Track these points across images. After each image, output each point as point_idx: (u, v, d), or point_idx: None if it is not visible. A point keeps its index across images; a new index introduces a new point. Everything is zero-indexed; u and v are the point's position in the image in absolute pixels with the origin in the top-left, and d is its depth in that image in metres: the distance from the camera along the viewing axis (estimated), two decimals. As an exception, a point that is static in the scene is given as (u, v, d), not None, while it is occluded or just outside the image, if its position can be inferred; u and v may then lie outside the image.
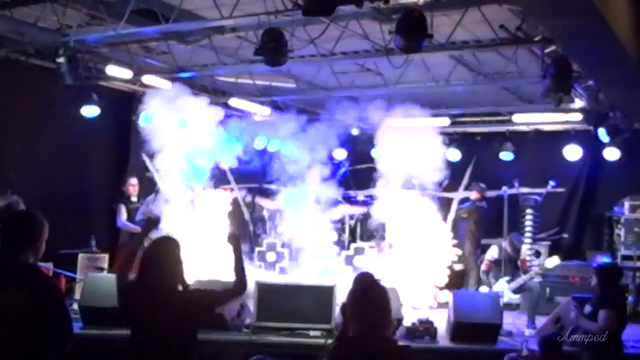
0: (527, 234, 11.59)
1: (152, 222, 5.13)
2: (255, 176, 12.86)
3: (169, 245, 4.32)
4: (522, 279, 9.45)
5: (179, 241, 4.36)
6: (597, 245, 12.77)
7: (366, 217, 12.53)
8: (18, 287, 3.62)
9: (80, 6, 8.77)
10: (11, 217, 4.20)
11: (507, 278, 9.55)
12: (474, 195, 12.15)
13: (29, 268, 3.81)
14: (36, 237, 3.89)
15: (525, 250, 10.23)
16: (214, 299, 4.40)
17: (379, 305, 3.74)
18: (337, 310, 8.25)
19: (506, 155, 13.37)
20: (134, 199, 10.84)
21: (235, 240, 4.53)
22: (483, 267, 10.05)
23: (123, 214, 10.66)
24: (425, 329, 8.10)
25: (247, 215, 12.97)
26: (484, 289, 9.93)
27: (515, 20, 8.19)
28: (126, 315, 4.26)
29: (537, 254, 11.71)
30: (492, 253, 9.94)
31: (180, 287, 4.24)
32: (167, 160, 10.12)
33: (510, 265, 9.70)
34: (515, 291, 9.54)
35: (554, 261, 9.34)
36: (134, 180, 10.96)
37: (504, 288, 9.49)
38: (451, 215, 12.54)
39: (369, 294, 3.78)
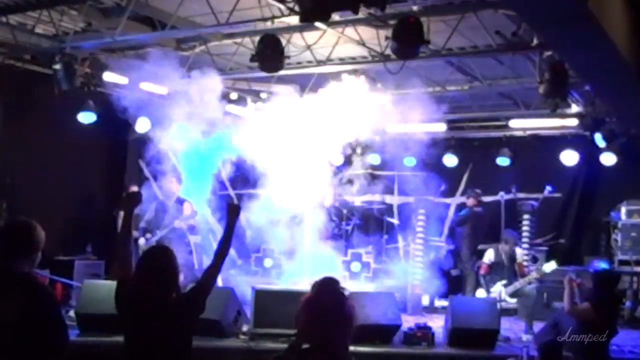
0: (524, 239, 11.59)
1: (131, 198, 4.82)
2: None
3: (162, 254, 4.30)
4: (519, 283, 9.47)
5: (173, 250, 4.33)
6: (595, 250, 12.77)
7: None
8: (13, 295, 3.61)
9: (76, 13, 8.77)
10: (7, 226, 4.17)
11: (504, 282, 9.56)
12: (470, 201, 12.17)
13: (23, 277, 3.79)
14: (32, 246, 3.87)
15: (522, 255, 10.24)
16: (200, 290, 4.30)
17: (335, 317, 3.22)
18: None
19: (503, 161, 13.38)
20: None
21: (234, 210, 4.50)
22: (481, 270, 10.07)
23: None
24: (423, 334, 8.09)
25: (243, 221, 12.88)
26: (481, 292, 9.94)
27: (512, 26, 8.20)
28: (121, 321, 4.20)
29: (534, 260, 11.73)
30: (489, 256, 9.97)
31: (174, 295, 4.20)
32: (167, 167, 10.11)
33: (508, 269, 9.71)
34: (512, 295, 9.55)
35: (551, 266, 9.34)
36: (135, 187, 10.91)
37: (501, 292, 9.50)
38: (448, 220, 12.55)
39: (325, 302, 3.26)
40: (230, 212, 4.47)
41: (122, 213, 9.67)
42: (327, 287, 3.33)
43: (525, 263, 10.41)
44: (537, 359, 6.44)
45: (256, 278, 11.31)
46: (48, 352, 3.69)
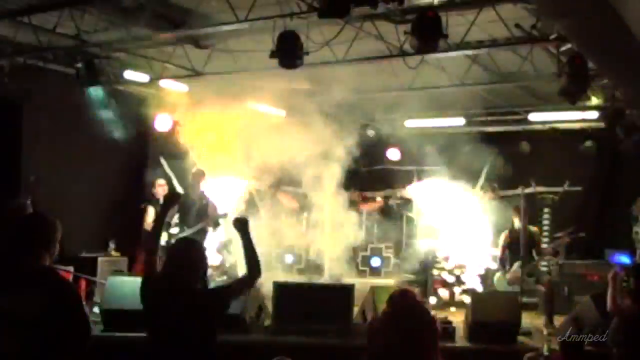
0: (545, 233, 11.56)
1: (173, 197, 4.98)
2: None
3: (191, 246, 4.37)
4: (535, 263, 9.55)
5: (201, 243, 4.39)
6: (616, 244, 12.68)
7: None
8: (35, 290, 3.61)
9: (97, 12, 8.86)
10: (23, 220, 4.17)
11: (520, 263, 9.61)
12: (488, 196, 12.17)
13: (46, 271, 3.79)
14: (50, 240, 3.87)
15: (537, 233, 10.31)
16: (230, 292, 4.39)
17: (416, 341, 2.79)
18: (355, 310, 8.29)
19: (522, 154, 13.33)
20: (162, 200, 10.82)
21: (241, 224, 4.49)
22: (499, 255, 10.13)
23: (150, 216, 10.61)
24: (443, 329, 8.09)
25: (261, 211, 12.79)
26: (499, 275, 9.96)
27: (530, 18, 8.17)
28: (146, 315, 4.26)
29: (556, 253, 11.69)
30: (503, 238, 10.04)
31: (199, 287, 4.26)
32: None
33: (525, 249, 9.77)
34: (530, 275, 9.60)
35: (564, 239, 9.43)
36: (161, 181, 10.97)
37: (517, 272, 9.56)
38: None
39: (405, 325, 2.81)
40: (239, 227, 4.49)
41: (150, 207, 9.78)
42: (407, 302, 2.93)
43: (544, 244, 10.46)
44: (559, 353, 6.39)
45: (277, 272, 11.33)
46: (71, 347, 3.71)
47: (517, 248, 9.77)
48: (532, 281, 9.70)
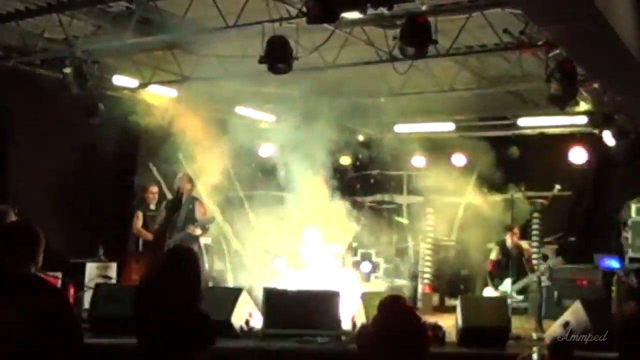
0: (534, 238, 11.58)
1: (176, 203, 5.02)
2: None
3: (185, 256, 4.22)
4: (527, 279, 9.51)
5: (196, 254, 4.27)
6: (605, 248, 12.73)
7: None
8: (25, 298, 3.57)
9: (86, 17, 8.83)
10: (7, 228, 4.16)
11: (511, 278, 9.59)
12: (478, 201, 12.20)
13: (34, 279, 3.77)
14: (34, 247, 3.83)
15: (529, 248, 10.29)
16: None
17: (407, 348, 2.77)
18: (343, 316, 8.28)
19: (512, 159, 13.36)
20: (152, 206, 10.86)
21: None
22: (487, 267, 10.13)
23: (138, 220, 10.65)
24: (434, 333, 8.09)
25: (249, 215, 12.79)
26: (489, 290, 9.96)
27: (519, 24, 8.20)
28: (136, 321, 4.16)
29: (545, 258, 11.71)
30: (494, 253, 10.02)
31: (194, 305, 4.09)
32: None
33: (515, 266, 9.74)
34: (519, 292, 9.58)
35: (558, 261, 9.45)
36: (154, 188, 11.01)
37: (508, 288, 9.53)
38: (457, 220, 12.55)
39: (395, 332, 2.78)
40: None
41: (139, 212, 9.79)
42: (397, 309, 2.88)
43: (534, 257, 10.45)
44: (548, 357, 6.40)
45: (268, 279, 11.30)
46: (62, 355, 3.68)
47: (507, 266, 9.78)
48: (522, 298, 9.72)
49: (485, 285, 10.41)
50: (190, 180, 10.08)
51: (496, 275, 9.93)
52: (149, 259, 4.45)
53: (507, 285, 9.58)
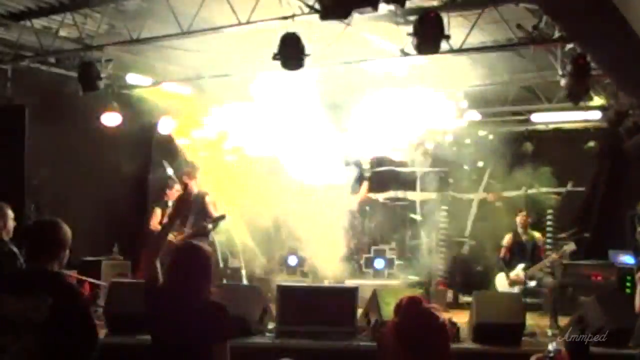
0: (548, 234, 11.54)
1: (184, 200, 4.79)
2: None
3: (197, 253, 4.12)
4: (538, 265, 9.56)
5: (209, 252, 4.19)
6: (620, 244, 12.65)
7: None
8: (42, 295, 3.62)
9: (100, 15, 8.86)
10: (35, 226, 4.20)
11: (523, 265, 9.60)
12: (490, 197, 12.17)
13: (53, 276, 3.81)
14: (60, 245, 3.89)
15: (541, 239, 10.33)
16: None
17: (430, 350, 2.70)
18: (359, 312, 8.29)
19: (525, 155, 13.30)
20: (170, 203, 10.80)
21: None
22: (500, 254, 10.16)
23: (156, 217, 10.48)
24: (448, 330, 8.06)
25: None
26: (501, 276, 9.96)
27: (532, 19, 8.15)
28: (148, 320, 4.14)
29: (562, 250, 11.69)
30: (507, 240, 10.05)
31: (205, 297, 4.02)
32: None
33: (529, 253, 9.78)
34: (532, 278, 9.62)
35: (570, 247, 9.43)
36: (178, 187, 10.91)
37: (520, 275, 9.59)
38: (471, 216, 12.51)
39: (417, 334, 2.71)
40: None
41: (157, 209, 9.77)
42: (417, 310, 2.76)
43: (548, 246, 10.47)
44: (564, 355, 6.37)
45: (281, 275, 11.31)
46: (78, 352, 3.71)
47: (519, 251, 9.79)
48: (534, 284, 9.72)
49: (498, 270, 10.39)
50: (195, 176, 10.08)
51: (508, 261, 9.98)
52: (148, 254, 4.30)
53: (519, 270, 9.66)
